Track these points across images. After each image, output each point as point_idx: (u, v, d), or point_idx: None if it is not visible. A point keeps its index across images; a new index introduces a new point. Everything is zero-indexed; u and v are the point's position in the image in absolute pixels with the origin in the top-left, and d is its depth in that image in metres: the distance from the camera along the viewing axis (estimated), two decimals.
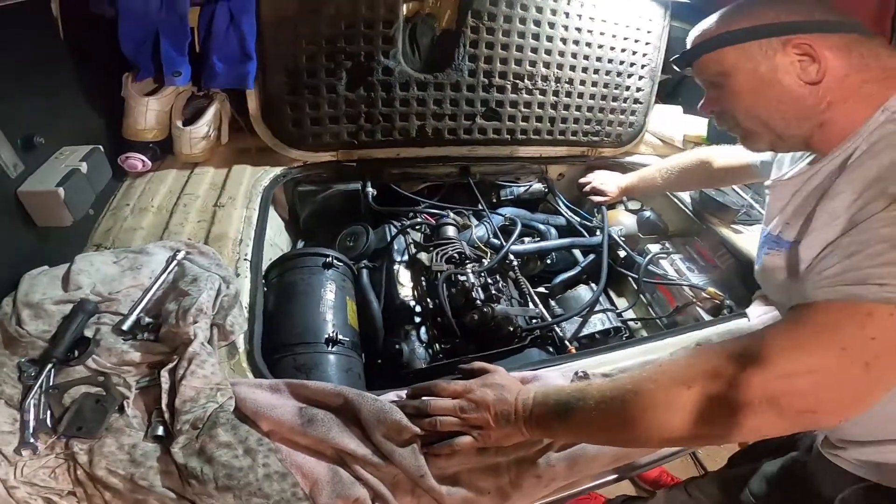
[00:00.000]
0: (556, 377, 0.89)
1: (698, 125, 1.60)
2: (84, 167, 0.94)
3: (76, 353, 0.78)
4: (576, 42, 1.44)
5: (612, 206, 1.57)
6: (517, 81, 1.44)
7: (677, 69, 0.81)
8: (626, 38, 1.49)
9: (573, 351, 1.12)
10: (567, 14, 1.40)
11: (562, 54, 1.44)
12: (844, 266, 0.52)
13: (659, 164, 1.42)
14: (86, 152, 0.97)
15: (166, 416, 0.75)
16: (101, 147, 1.02)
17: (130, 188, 1.22)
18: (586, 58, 1.47)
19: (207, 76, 1.21)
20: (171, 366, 0.78)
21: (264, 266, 1.11)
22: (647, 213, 1.51)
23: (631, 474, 0.95)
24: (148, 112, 1.20)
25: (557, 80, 1.48)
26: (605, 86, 1.53)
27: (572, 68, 1.47)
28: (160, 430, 0.73)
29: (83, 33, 1.08)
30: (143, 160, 1.22)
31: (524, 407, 0.71)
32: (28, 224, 0.89)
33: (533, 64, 1.43)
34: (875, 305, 0.49)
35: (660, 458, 0.93)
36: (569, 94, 1.51)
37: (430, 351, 1.14)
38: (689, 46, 0.76)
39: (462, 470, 0.78)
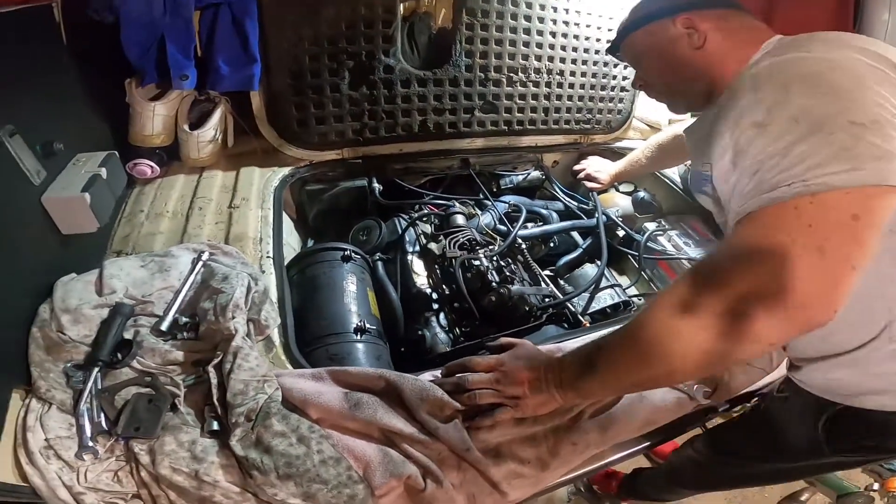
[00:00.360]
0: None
1: None
2: (104, 172, 0.94)
3: (119, 355, 0.78)
4: (564, 35, 1.50)
5: (604, 191, 1.64)
6: (511, 75, 1.49)
7: (611, 56, 1.01)
8: (609, 30, 1.55)
9: (587, 325, 1.18)
10: (555, 9, 1.46)
11: (552, 47, 1.51)
12: (755, 182, 0.60)
13: (642, 145, 1.50)
14: (102, 158, 0.97)
15: (219, 410, 0.76)
16: (116, 153, 1.01)
17: (141, 195, 1.21)
18: (575, 50, 1.54)
19: (213, 79, 1.21)
20: (215, 361, 0.80)
21: None
22: (641, 194, 1.59)
23: (654, 440, 0.98)
24: (155, 117, 1.19)
25: (549, 72, 1.54)
26: (594, 76, 1.60)
27: (562, 60, 1.54)
28: (215, 425, 0.75)
29: (86, 39, 1.07)
30: (151, 166, 1.22)
31: (553, 373, 0.76)
32: (52, 232, 0.89)
33: (526, 58, 1.49)
34: (796, 200, 0.56)
35: (681, 426, 0.97)
36: (560, 85, 1.57)
37: (452, 335, 1.17)
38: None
39: (503, 442, 0.81)
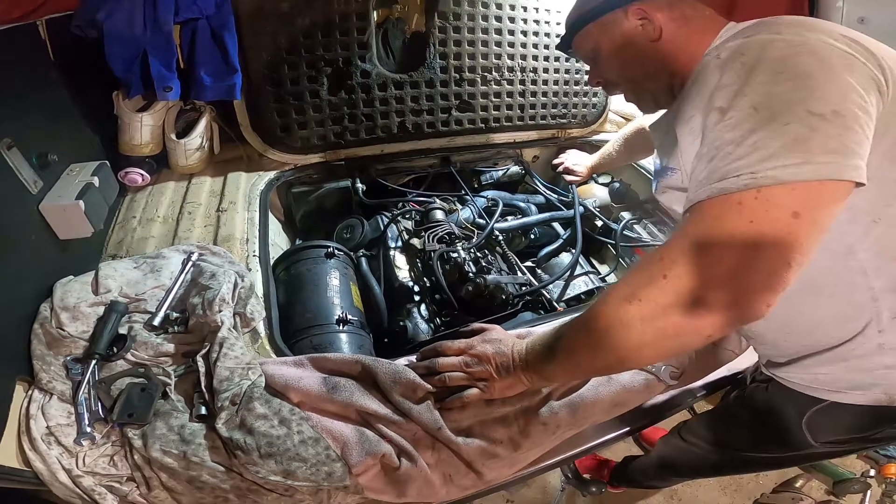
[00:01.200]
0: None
1: None
2: (96, 181, 1.00)
3: (115, 349, 0.85)
4: (535, 33, 1.56)
5: (584, 182, 1.69)
6: (485, 74, 1.55)
7: (563, 53, 0.94)
8: None
9: (562, 310, 1.23)
10: (525, 8, 1.52)
11: (524, 46, 1.56)
12: (708, 170, 0.59)
13: (612, 139, 1.55)
14: (95, 167, 1.03)
15: (206, 396, 0.82)
16: (107, 162, 1.08)
17: (133, 202, 1.28)
18: (546, 47, 1.59)
19: (196, 90, 1.26)
20: (203, 351, 0.86)
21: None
22: (618, 185, 1.64)
23: (635, 426, 1.00)
24: (143, 128, 1.25)
25: (522, 69, 1.59)
26: (567, 71, 1.66)
27: (535, 58, 1.59)
28: (203, 410, 0.81)
29: (72, 54, 1.13)
30: (142, 174, 1.28)
31: (520, 356, 0.78)
32: (50, 237, 0.95)
33: (498, 57, 1.54)
34: (741, 194, 0.55)
35: (656, 412, 0.99)
36: (534, 82, 1.63)
37: (432, 325, 1.23)
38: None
39: (475, 423, 0.85)
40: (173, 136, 1.32)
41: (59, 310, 0.85)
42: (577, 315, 0.70)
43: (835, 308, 0.73)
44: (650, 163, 1.66)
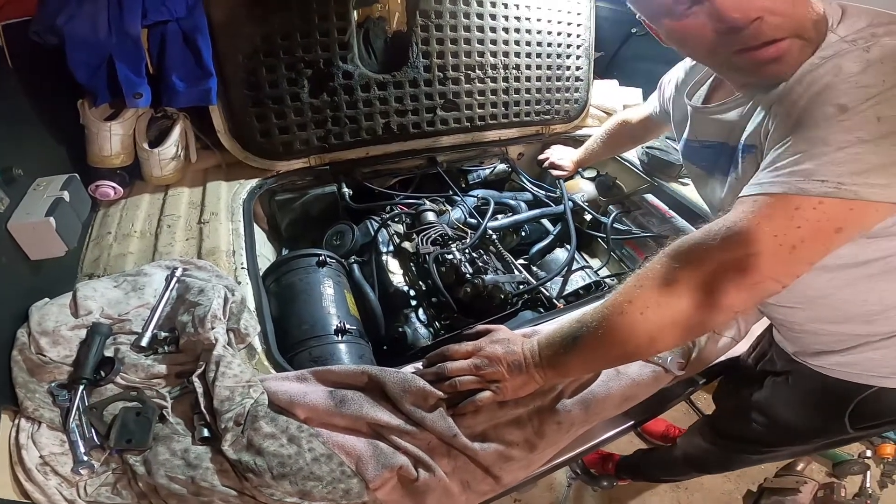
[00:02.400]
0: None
1: (634, 95, 1.76)
2: (66, 196, 0.93)
3: (102, 373, 0.79)
4: (517, 30, 1.55)
5: (570, 178, 1.70)
6: (469, 72, 1.53)
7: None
8: (559, 22, 1.61)
9: (561, 307, 1.22)
10: (506, 5, 1.51)
11: (506, 43, 1.55)
12: (796, 162, 0.59)
13: (596, 133, 1.56)
14: (63, 181, 0.96)
15: (207, 417, 0.77)
16: (77, 175, 1.00)
17: (106, 217, 1.20)
18: (528, 44, 1.59)
19: (169, 96, 1.20)
20: (199, 371, 0.81)
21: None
22: (604, 178, 1.65)
23: (639, 419, 1.00)
24: (112, 137, 1.17)
25: (505, 67, 1.58)
26: (548, 67, 1.66)
27: (517, 55, 1.59)
28: (205, 432, 0.76)
29: (33, 62, 1.06)
30: (114, 187, 1.20)
31: (532, 354, 0.77)
32: (21, 258, 0.88)
33: (481, 55, 1.53)
34: (804, 199, 0.57)
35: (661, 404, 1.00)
36: (517, 79, 1.62)
37: (432, 329, 1.20)
38: None
39: (489, 427, 0.83)
40: (145, 146, 1.24)
41: (37, 335, 0.79)
42: (602, 301, 0.70)
43: None
44: (633, 155, 1.68)
